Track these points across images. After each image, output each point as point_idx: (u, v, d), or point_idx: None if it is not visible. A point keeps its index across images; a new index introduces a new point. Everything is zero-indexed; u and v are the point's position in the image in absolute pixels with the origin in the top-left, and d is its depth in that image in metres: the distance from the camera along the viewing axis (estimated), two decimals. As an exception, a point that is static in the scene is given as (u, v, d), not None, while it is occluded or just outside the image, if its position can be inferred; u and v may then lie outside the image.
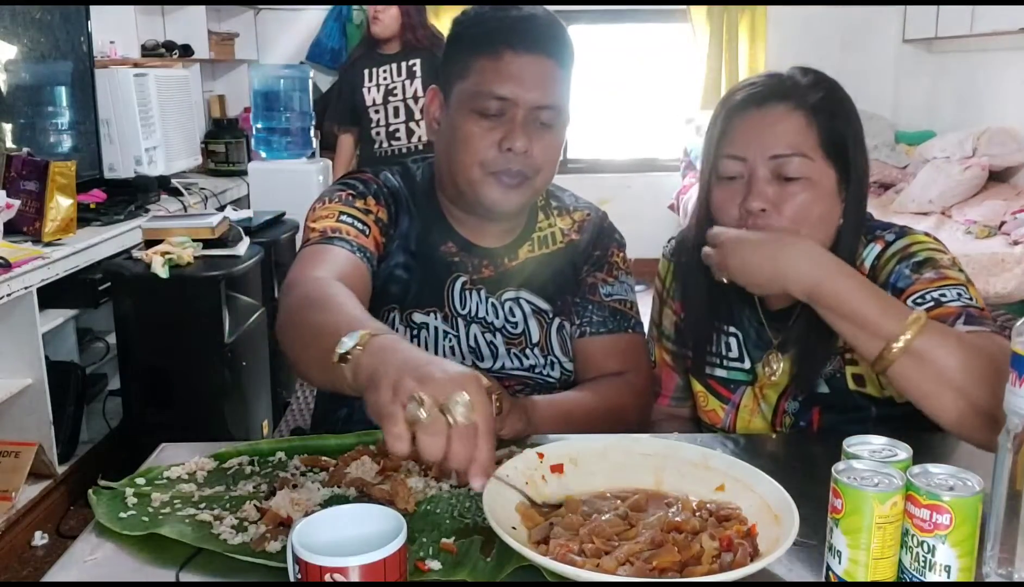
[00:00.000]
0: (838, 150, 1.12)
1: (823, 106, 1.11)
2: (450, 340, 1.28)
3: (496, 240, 1.31)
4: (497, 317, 1.30)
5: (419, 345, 1.27)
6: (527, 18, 1.20)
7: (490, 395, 1.03)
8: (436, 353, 1.27)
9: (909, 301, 1.07)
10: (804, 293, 1.02)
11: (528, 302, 1.31)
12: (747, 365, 1.24)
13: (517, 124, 1.18)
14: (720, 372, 1.26)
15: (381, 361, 0.80)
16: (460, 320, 1.29)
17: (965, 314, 1.03)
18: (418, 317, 1.28)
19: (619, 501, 0.94)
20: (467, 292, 1.29)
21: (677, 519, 0.88)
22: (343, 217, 1.23)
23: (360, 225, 1.23)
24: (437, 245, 1.30)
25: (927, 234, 1.17)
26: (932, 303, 1.05)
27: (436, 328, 1.28)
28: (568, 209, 1.38)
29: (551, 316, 1.32)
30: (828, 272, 1.01)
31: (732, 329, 1.25)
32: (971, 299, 1.05)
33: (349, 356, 0.84)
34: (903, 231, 1.16)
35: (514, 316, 1.30)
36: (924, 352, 0.95)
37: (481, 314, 1.30)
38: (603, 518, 0.89)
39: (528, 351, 1.30)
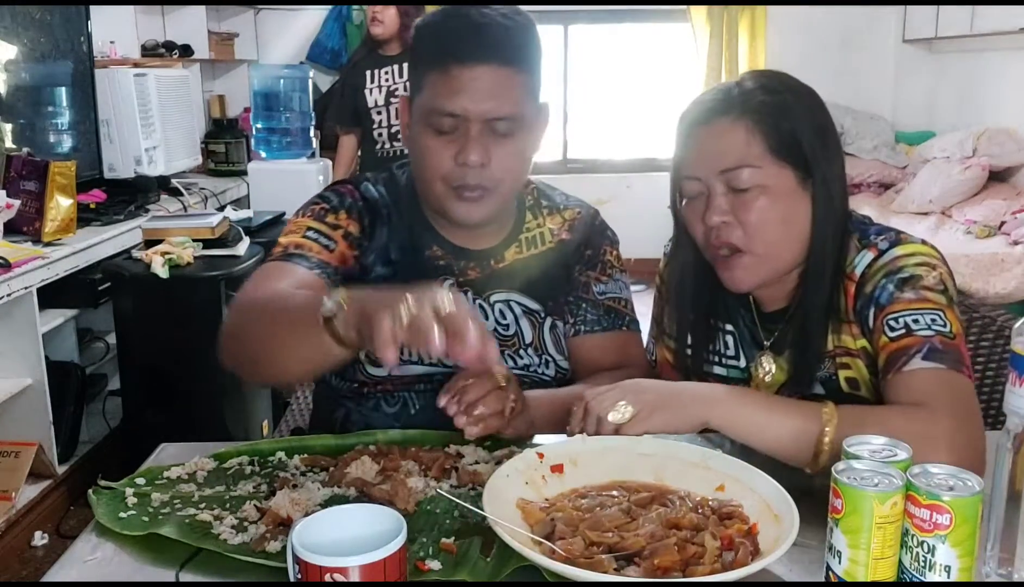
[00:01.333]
0: (790, 149, 1.12)
1: (765, 110, 1.12)
2: None
3: (482, 242, 1.30)
4: (487, 319, 1.29)
5: (407, 350, 1.26)
6: (475, 27, 1.16)
7: (508, 393, 1.03)
8: (428, 356, 1.26)
9: (884, 322, 1.09)
10: (698, 421, 1.03)
11: (518, 304, 1.30)
12: (743, 363, 1.25)
13: (471, 138, 1.16)
14: (719, 370, 1.27)
15: (368, 302, 0.86)
16: None
17: (928, 347, 1.04)
18: None
19: (625, 495, 0.94)
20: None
21: (678, 515, 0.88)
22: (309, 233, 1.23)
23: (325, 240, 1.23)
24: (422, 250, 1.29)
25: (924, 242, 1.16)
26: (903, 330, 1.07)
27: None
28: (558, 208, 1.37)
29: (543, 316, 1.31)
30: (719, 400, 1.03)
31: (729, 327, 1.26)
32: (944, 325, 1.06)
33: (336, 316, 0.89)
34: (898, 239, 1.16)
35: (505, 318, 1.30)
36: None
37: None
38: (605, 513, 0.89)
39: (522, 351, 1.30)
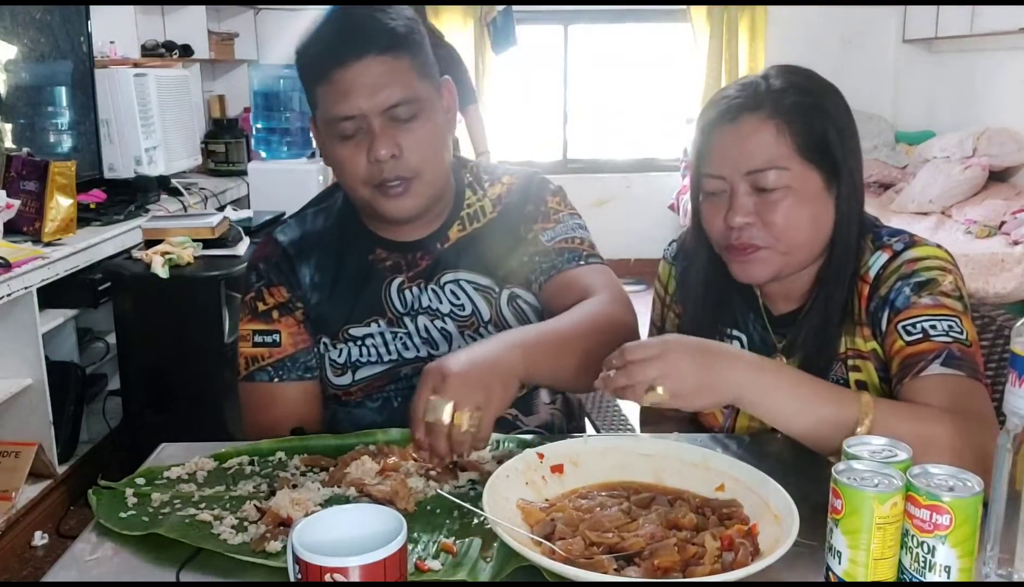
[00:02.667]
0: (819, 150, 1.10)
1: (796, 109, 1.10)
2: (401, 339, 1.28)
3: (423, 230, 1.29)
4: (442, 303, 1.28)
5: (367, 352, 1.28)
6: (345, 28, 1.17)
7: (464, 426, 0.96)
8: (388, 353, 1.28)
9: (899, 326, 1.08)
10: (732, 402, 1.00)
11: (468, 282, 1.29)
12: None
13: (376, 134, 1.16)
14: None
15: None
16: (406, 318, 1.28)
17: (946, 353, 1.04)
18: (357, 330, 1.28)
19: (625, 496, 0.94)
20: (405, 290, 1.28)
21: (678, 515, 0.88)
22: (256, 338, 1.28)
23: (269, 338, 1.28)
24: (364, 257, 1.29)
25: (939, 246, 1.15)
26: (920, 334, 1.06)
27: (382, 334, 1.28)
28: (499, 178, 1.36)
29: (497, 290, 1.29)
30: (754, 383, 0.98)
31: (736, 333, 1.25)
32: (961, 333, 1.06)
33: None
34: (912, 240, 1.15)
35: (458, 298, 1.29)
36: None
37: (425, 304, 1.28)
38: (605, 513, 0.89)
39: (482, 330, 1.28)
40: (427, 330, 1.28)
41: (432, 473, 1.03)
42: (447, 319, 1.28)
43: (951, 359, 1.03)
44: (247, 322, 1.30)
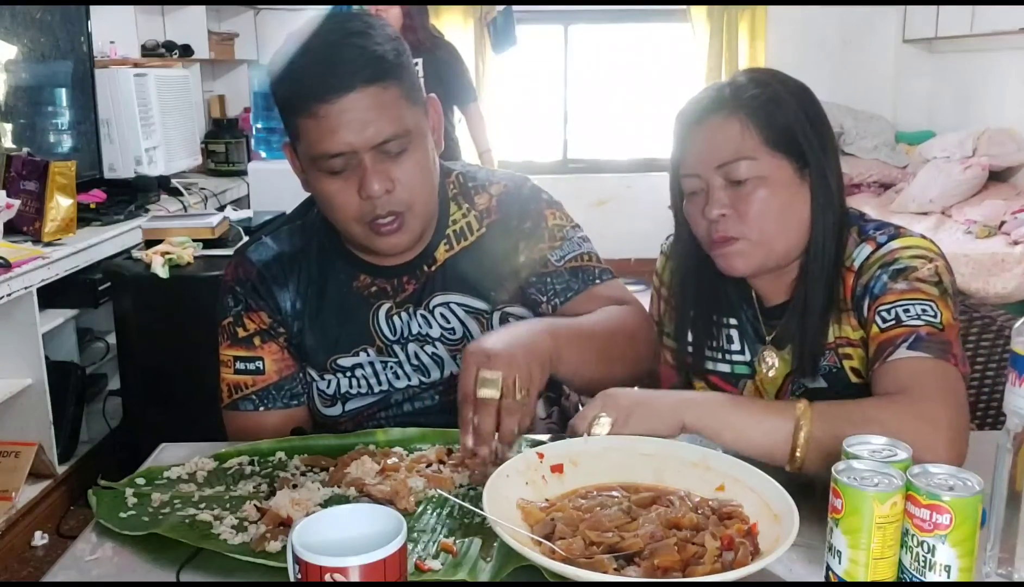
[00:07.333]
0: (785, 140, 1.13)
1: (758, 104, 1.13)
2: (391, 368, 1.25)
3: (408, 253, 1.23)
4: (432, 328, 1.25)
5: (357, 383, 1.25)
6: (325, 60, 1.08)
7: (514, 400, 0.98)
8: (378, 383, 1.25)
9: (877, 313, 1.10)
10: (677, 424, 1.02)
11: (459, 305, 1.25)
12: (748, 357, 1.26)
13: (367, 170, 1.10)
14: (723, 367, 1.27)
15: None
16: (396, 346, 1.25)
17: (914, 337, 1.05)
18: (345, 361, 1.25)
19: (625, 495, 0.94)
20: (393, 317, 1.25)
21: (678, 515, 0.88)
22: (238, 366, 1.24)
23: (252, 365, 1.24)
24: (348, 283, 1.25)
25: (923, 236, 1.17)
26: (893, 321, 1.07)
27: (371, 363, 1.25)
28: (483, 186, 1.29)
29: (489, 312, 1.26)
30: (692, 401, 1.04)
31: (732, 321, 1.27)
32: (935, 316, 1.06)
33: None
34: (897, 232, 1.17)
35: (448, 322, 1.25)
36: (824, 440, 0.96)
37: (415, 331, 1.25)
38: (605, 513, 0.89)
39: None
40: (417, 357, 1.25)
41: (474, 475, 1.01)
42: (437, 344, 1.25)
43: (918, 341, 1.04)
44: (227, 348, 1.25)
